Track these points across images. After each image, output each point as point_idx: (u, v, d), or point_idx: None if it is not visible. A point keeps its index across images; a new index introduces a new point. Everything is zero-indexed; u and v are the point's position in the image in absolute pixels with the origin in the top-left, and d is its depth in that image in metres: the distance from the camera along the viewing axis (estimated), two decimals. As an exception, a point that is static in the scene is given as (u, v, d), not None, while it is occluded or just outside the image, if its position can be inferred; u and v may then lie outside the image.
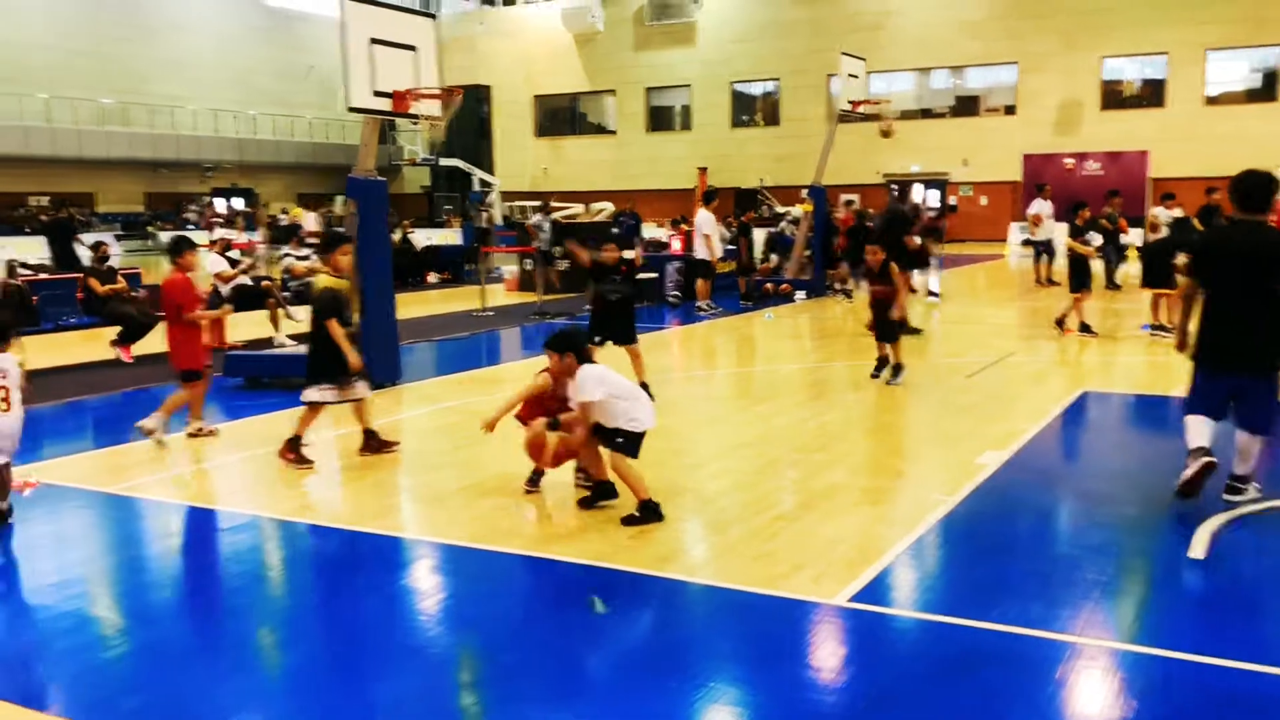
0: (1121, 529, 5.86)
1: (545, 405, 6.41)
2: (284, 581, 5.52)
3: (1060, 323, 13.31)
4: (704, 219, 16.60)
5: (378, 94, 9.84)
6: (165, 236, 36.58)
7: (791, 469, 7.21)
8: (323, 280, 7.60)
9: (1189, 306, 6.33)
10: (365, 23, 9.77)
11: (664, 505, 6.38)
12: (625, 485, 6.08)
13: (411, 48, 10.09)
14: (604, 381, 6.03)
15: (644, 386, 9.22)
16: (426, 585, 5.36)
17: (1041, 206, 20.07)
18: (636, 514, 5.96)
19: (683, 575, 5.18)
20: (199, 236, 30.50)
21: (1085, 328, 13.17)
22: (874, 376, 10.22)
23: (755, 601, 4.84)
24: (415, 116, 10.19)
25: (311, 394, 7.44)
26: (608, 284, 9.54)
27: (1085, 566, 5.22)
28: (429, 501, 6.72)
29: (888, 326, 10.13)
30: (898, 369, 10.06)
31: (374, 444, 7.77)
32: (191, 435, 8.37)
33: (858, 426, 8.61)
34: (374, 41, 9.76)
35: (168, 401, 8.37)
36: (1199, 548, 5.41)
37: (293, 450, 7.44)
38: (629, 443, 5.98)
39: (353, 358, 7.35)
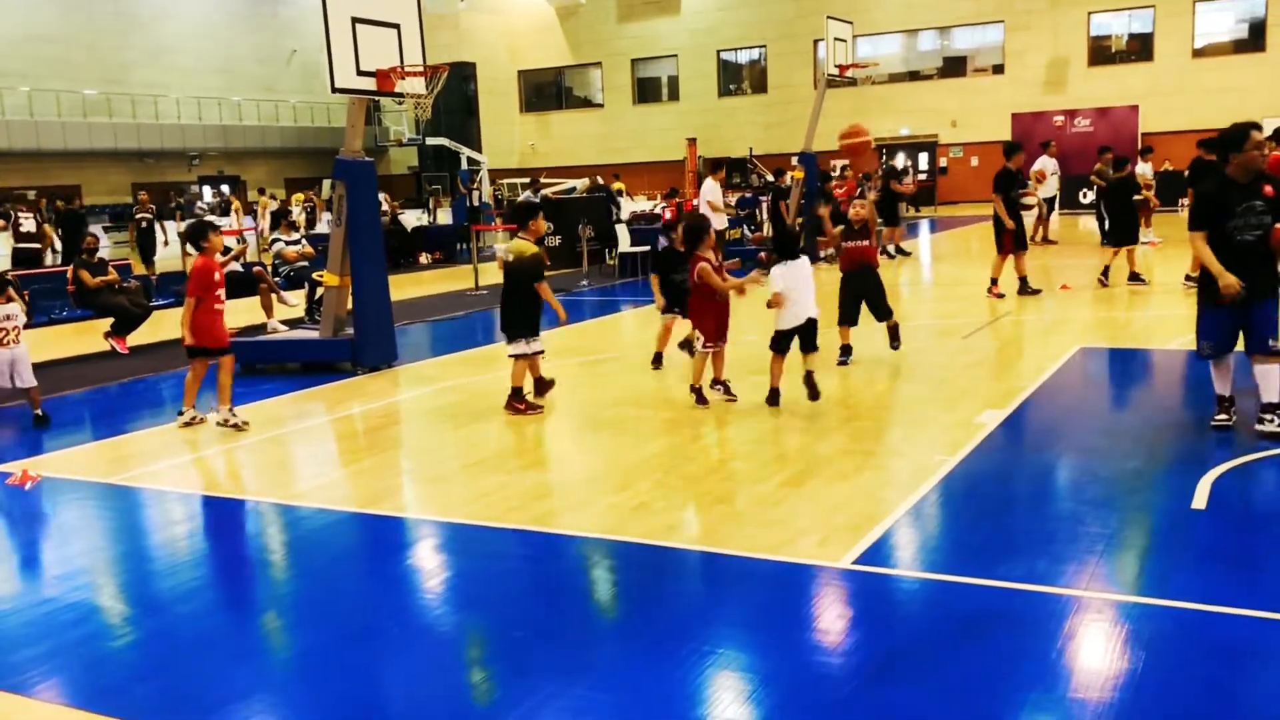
0: (1122, 482, 5.88)
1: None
2: (290, 566, 5.52)
3: (1136, 276, 13.56)
4: (709, 188, 16.57)
5: (362, 74, 9.76)
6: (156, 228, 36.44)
7: (793, 435, 7.22)
8: (526, 246, 8.19)
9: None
10: (347, 1, 9.67)
11: (667, 475, 6.41)
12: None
13: (395, 26, 9.99)
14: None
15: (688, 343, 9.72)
16: (432, 564, 5.36)
17: (1046, 163, 19.94)
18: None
19: (689, 544, 5.19)
20: (170, 227, 30.28)
21: (1135, 276, 13.55)
22: (842, 362, 9.38)
23: (761, 568, 4.85)
24: (400, 95, 10.11)
25: (519, 348, 8.21)
26: (680, 274, 9.07)
27: (1088, 521, 5.24)
28: (431, 481, 6.72)
29: (882, 299, 9.35)
30: (848, 349, 9.48)
31: (543, 386, 8.63)
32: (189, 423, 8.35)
33: (857, 391, 8.60)
34: (356, 21, 9.67)
35: (222, 388, 8.30)
36: (1200, 498, 5.43)
37: (519, 400, 8.27)
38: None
39: (561, 310, 8.32)
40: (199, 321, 8.15)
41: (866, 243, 9.43)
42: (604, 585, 4.94)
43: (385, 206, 25.83)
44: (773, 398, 7.89)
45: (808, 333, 7.85)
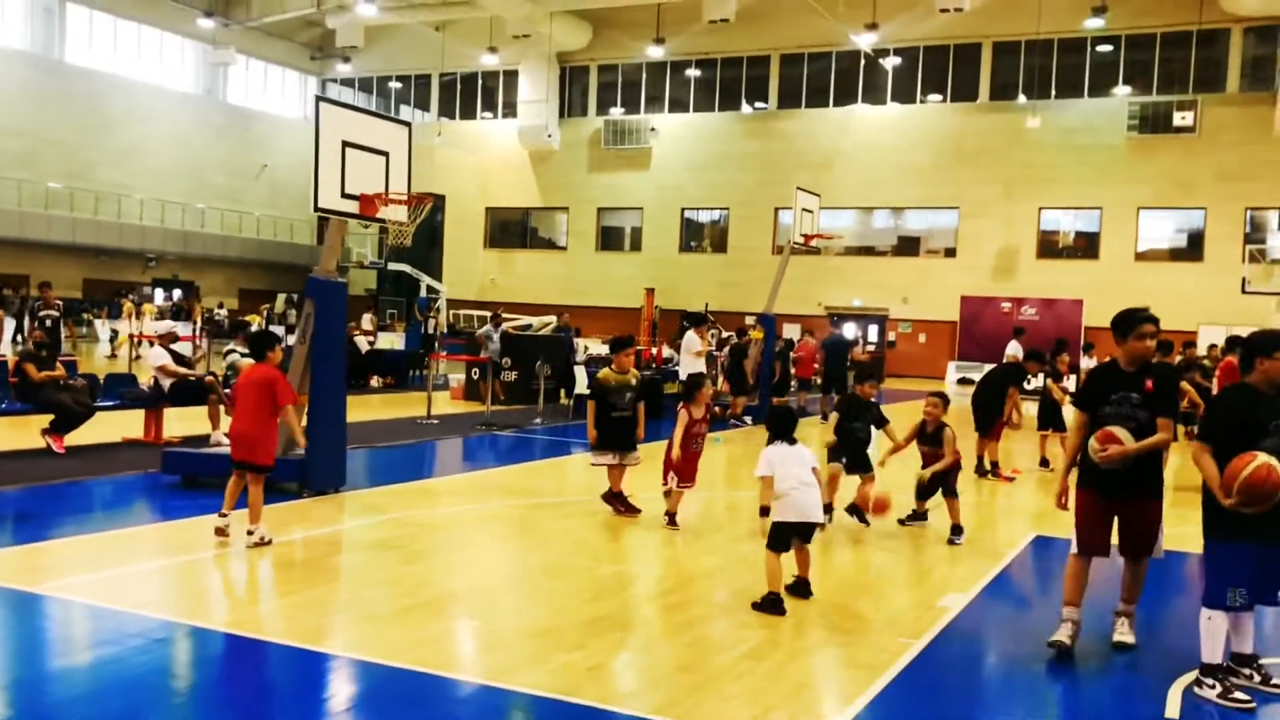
0: (1091, 684, 5.75)
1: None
2: (205, 699, 5.15)
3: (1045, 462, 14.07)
4: (691, 340, 16.73)
5: (346, 196, 9.77)
6: (99, 325, 35.90)
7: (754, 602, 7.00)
8: (627, 376, 9.65)
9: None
10: (340, 126, 9.76)
11: (622, 636, 6.17)
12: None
13: (384, 153, 10.07)
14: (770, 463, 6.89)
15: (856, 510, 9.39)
16: (366, 711, 5.02)
17: (1016, 349, 20.33)
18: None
19: (651, 714, 4.92)
20: (121, 326, 29.62)
21: (1044, 462, 14.08)
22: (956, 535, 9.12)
23: (726, 746, 4.61)
24: (382, 221, 10.11)
25: (600, 459, 9.51)
26: (859, 421, 9.45)
27: (1060, 722, 5.09)
28: (373, 620, 6.38)
29: (934, 482, 9.25)
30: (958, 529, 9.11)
31: (623, 506, 9.53)
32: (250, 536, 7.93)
33: (816, 563, 8.44)
34: (347, 145, 9.73)
35: (254, 504, 7.91)
36: (1173, 706, 5.31)
37: (622, 504, 9.51)
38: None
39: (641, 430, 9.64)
40: (268, 435, 7.97)
41: (930, 449, 9.24)
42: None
43: (369, 326, 25.68)
44: (774, 604, 6.66)
45: (807, 532, 6.99)
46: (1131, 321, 6.00)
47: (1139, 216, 35.72)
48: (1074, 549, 6.20)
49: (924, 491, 9.43)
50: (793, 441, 7.05)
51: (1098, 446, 5.84)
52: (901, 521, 9.50)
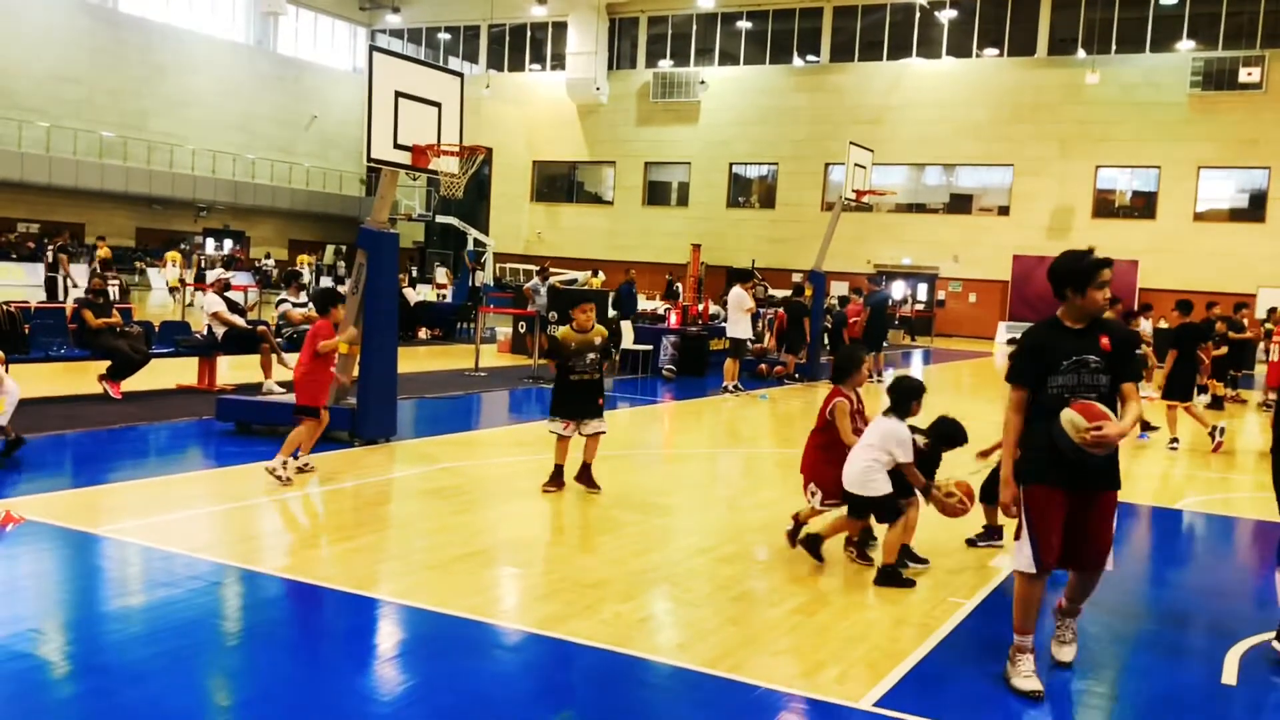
0: (1146, 649, 5.68)
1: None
2: (258, 642, 5.24)
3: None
4: (739, 295, 16.46)
5: (398, 147, 9.76)
6: (153, 273, 36.47)
7: (802, 562, 6.98)
8: (564, 331, 8.49)
9: None
10: (393, 76, 9.72)
11: (672, 589, 6.18)
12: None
13: (436, 104, 10.03)
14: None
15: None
16: (414, 657, 5.08)
17: None
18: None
19: (702, 666, 4.93)
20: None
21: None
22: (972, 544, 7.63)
23: (779, 701, 4.61)
24: (434, 173, 10.09)
25: (554, 426, 8.39)
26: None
27: (1110, 686, 5.03)
28: (422, 568, 6.45)
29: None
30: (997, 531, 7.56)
31: (586, 479, 8.50)
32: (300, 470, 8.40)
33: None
34: (400, 95, 9.70)
35: (288, 440, 8.30)
36: (1230, 672, 5.23)
37: (585, 480, 8.50)
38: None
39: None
40: (318, 380, 8.34)
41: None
42: (612, 703, 4.68)
43: (444, 280, 26.22)
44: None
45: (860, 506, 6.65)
46: (1089, 270, 4.77)
47: (1199, 176, 34.86)
48: (1029, 567, 4.82)
49: (990, 493, 7.33)
50: (888, 414, 6.53)
51: (1086, 424, 4.52)
52: (970, 542, 7.63)
